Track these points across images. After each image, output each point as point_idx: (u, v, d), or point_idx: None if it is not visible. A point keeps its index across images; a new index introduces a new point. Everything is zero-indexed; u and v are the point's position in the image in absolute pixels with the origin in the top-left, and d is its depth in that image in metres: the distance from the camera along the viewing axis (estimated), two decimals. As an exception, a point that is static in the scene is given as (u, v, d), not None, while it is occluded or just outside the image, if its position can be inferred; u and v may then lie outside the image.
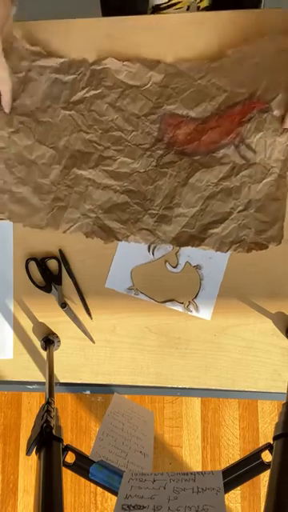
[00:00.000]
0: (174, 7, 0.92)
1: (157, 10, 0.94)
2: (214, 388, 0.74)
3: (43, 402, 0.54)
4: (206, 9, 0.93)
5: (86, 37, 0.79)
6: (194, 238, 0.73)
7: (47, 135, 0.77)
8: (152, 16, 0.88)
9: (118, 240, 0.74)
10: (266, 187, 0.73)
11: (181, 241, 0.73)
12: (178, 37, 0.78)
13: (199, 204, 0.73)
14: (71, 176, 0.76)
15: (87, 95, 0.78)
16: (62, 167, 0.76)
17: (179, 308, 0.74)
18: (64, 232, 0.75)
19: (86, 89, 0.78)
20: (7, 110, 0.76)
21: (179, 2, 0.92)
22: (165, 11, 0.93)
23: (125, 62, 0.77)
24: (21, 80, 0.78)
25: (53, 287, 0.76)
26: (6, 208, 0.76)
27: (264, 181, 0.73)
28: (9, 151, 0.77)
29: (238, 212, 0.73)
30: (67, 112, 0.77)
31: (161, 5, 0.92)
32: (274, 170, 0.73)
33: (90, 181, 0.76)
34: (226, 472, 0.45)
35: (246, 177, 0.73)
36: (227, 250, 0.72)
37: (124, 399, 0.74)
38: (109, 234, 0.74)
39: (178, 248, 0.75)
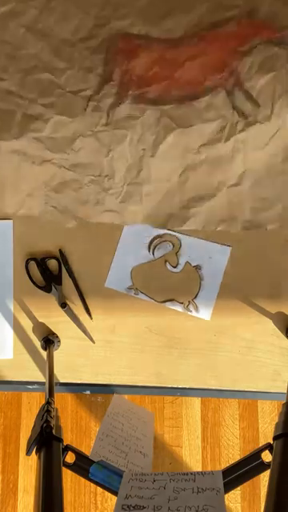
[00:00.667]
0: None
1: None
2: (213, 388, 0.74)
3: (43, 401, 0.54)
4: None
5: None
6: (174, 216, 0.59)
7: None
8: None
9: (81, 219, 0.60)
10: (268, 156, 0.53)
11: (158, 220, 0.60)
12: None
13: (176, 176, 0.55)
14: None
15: None
16: None
17: (179, 308, 0.74)
18: (14, 214, 0.62)
19: None
20: None
21: None
22: None
23: None
24: None
25: (53, 287, 0.76)
26: None
27: (266, 147, 0.53)
28: None
29: (229, 187, 0.55)
30: None
31: None
32: (283, 134, 0.52)
33: (19, 154, 0.55)
34: (226, 472, 0.45)
35: (240, 142, 0.52)
36: (216, 228, 0.60)
37: (124, 400, 0.74)
38: (67, 216, 0.59)
39: (178, 248, 0.75)
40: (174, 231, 0.75)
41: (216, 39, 0.50)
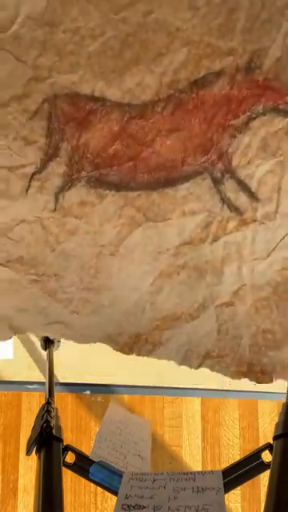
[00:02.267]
0: None
1: None
2: (213, 388, 0.74)
3: (43, 401, 0.54)
4: None
5: None
6: (142, 340, 0.45)
7: None
8: None
9: (19, 333, 0.46)
10: (273, 271, 0.37)
11: (120, 342, 0.47)
12: None
13: (146, 283, 0.41)
14: None
15: None
16: None
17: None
18: None
19: None
20: None
21: None
22: None
23: None
24: None
25: (53, 287, 0.76)
26: None
27: (270, 257, 0.37)
28: None
29: (218, 306, 0.40)
30: None
31: None
32: None
33: None
34: (226, 472, 0.45)
35: (233, 245, 0.38)
36: (198, 367, 0.46)
37: (119, 408, 0.74)
38: (2, 325, 0.44)
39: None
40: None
41: (199, 106, 0.33)
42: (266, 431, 1.39)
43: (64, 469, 0.46)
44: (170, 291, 0.40)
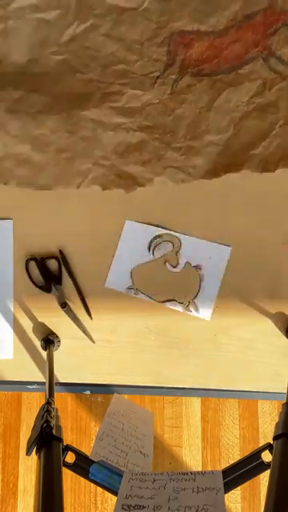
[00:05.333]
0: None
1: None
2: (213, 388, 0.74)
3: (43, 402, 0.54)
4: None
5: None
6: (230, 165, 0.66)
7: (39, 84, 0.68)
8: None
9: (141, 186, 0.67)
10: None
11: (217, 173, 0.67)
12: None
13: (231, 128, 0.66)
14: (73, 119, 0.67)
15: (78, 31, 0.68)
16: (59, 111, 0.67)
17: (179, 308, 0.74)
18: (78, 187, 0.68)
19: (75, 24, 0.68)
20: None
21: None
22: None
23: None
24: (0, 33, 0.68)
25: (53, 287, 0.76)
26: (13, 175, 0.69)
27: None
28: None
29: (280, 126, 0.66)
30: (59, 57, 0.68)
31: None
32: None
33: (95, 122, 0.67)
34: (226, 472, 0.45)
35: (281, 90, 0.66)
36: (275, 169, 0.66)
37: (124, 400, 0.74)
38: (129, 182, 0.67)
39: (178, 248, 0.75)
40: (175, 231, 0.76)
41: (249, 27, 0.68)
42: (266, 431, 1.39)
43: (64, 469, 0.46)
44: (248, 128, 0.67)
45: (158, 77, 0.67)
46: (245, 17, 0.67)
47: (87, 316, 0.76)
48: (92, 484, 0.47)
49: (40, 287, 0.76)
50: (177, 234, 0.75)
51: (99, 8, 0.67)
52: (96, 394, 1.45)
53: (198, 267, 0.75)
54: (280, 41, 0.67)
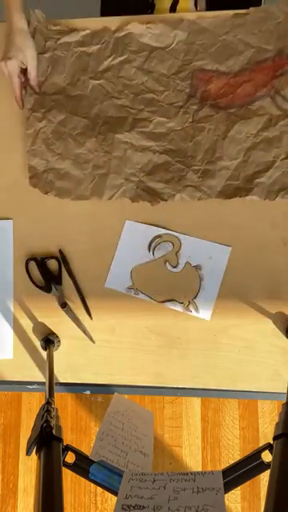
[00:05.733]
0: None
1: None
2: (213, 388, 0.74)
3: (43, 402, 0.54)
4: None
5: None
6: (240, 189, 0.74)
7: (79, 107, 0.80)
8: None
9: (164, 200, 0.75)
10: None
11: (227, 193, 0.74)
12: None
13: (241, 155, 0.75)
14: (108, 141, 0.78)
15: (114, 62, 0.80)
16: (97, 134, 0.78)
17: (179, 308, 0.74)
18: (109, 199, 0.76)
19: (112, 56, 0.80)
20: (34, 83, 0.80)
21: None
22: None
23: (147, 25, 0.80)
24: (48, 59, 0.81)
25: (53, 287, 0.76)
26: (53, 186, 0.78)
27: None
28: (46, 130, 0.80)
29: (282, 160, 0.74)
30: (96, 82, 0.80)
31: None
32: None
33: (127, 144, 0.78)
34: (226, 472, 0.45)
35: (284, 126, 0.75)
36: (275, 198, 0.73)
37: (124, 399, 0.74)
38: (154, 196, 0.76)
39: (178, 248, 0.75)
40: (175, 231, 0.76)
41: (260, 70, 0.77)
42: (266, 431, 1.39)
43: (64, 469, 0.46)
44: (254, 157, 0.75)
45: (181, 106, 0.78)
46: (256, 62, 0.78)
47: (87, 316, 0.76)
48: (92, 484, 0.47)
49: (40, 287, 0.76)
50: (177, 234, 0.75)
51: (134, 45, 0.80)
52: (96, 394, 1.45)
53: (198, 267, 0.75)
54: (285, 82, 0.75)
